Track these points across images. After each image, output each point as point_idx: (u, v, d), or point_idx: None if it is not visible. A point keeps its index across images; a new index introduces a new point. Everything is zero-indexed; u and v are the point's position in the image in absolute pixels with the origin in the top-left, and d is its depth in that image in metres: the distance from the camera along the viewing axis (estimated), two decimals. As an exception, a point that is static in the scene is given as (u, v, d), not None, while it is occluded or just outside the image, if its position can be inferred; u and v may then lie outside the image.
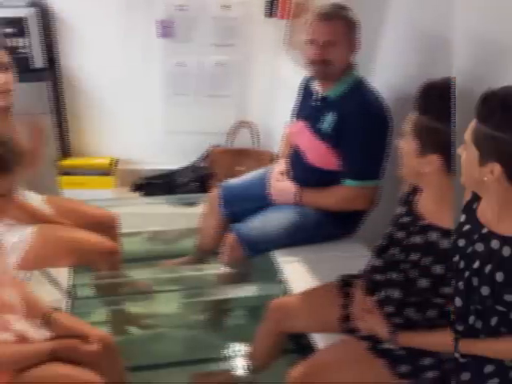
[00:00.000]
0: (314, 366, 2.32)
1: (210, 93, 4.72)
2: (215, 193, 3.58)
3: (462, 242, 2.08)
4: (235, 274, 3.26)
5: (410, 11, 3.03)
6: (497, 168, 1.81)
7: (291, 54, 4.35)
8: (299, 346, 3.24)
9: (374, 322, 2.24)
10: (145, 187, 4.79)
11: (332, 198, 3.03)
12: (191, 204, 4.45)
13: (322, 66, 2.87)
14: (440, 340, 2.09)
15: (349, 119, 2.86)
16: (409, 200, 2.27)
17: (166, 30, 4.37)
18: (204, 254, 3.75)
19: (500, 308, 1.93)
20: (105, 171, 4.61)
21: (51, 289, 2.98)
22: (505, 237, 1.92)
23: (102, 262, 3.15)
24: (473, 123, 1.87)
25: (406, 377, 2.16)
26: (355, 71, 2.95)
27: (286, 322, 2.70)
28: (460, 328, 2.06)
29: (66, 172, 4.55)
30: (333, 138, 2.93)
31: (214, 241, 3.55)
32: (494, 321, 1.98)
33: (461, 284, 2.04)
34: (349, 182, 2.94)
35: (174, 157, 4.83)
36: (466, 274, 2.02)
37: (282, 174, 3.31)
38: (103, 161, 4.66)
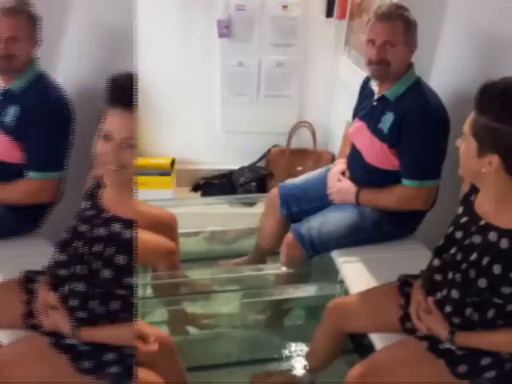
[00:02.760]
0: (373, 366, 2.30)
1: (269, 93, 4.73)
2: (274, 193, 3.57)
3: (459, 234, 2.13)
4: (294, 274, 3.27)
5: (468, 10, 3.00)
6: (495, 159, 1.87)
7: (351, 55, 4.33)
8: (359, 346, 3.23)
9: (433, 322, 2.22)
10: (204, 187, 4.81)
11: (391, 197, 3.00)
12: (250, 204, 4.46)
13: (381, 66, 2.86)
14: (502, 340, 2.06)
15: (407, 119, 2.84)
16: (468, 200, 2.24)
17: (226, 30, 4.38)
18: (263, 254, 3.75)
19: (497, 300, 1.98)
20: (165, 171, 4.62)
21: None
22: (503, 229, 1.96)
23: (162, 262, 3.18)
24: (472, 115, 1.92)
25: (465, 377, 2.13)
26: (413, 71, 2.94)
27: (344, 322, 2.68)
28: (456, 320, 2.11)
29: (126, 172, 4.56)
30: (391, 138, 2.91)
31: (273, 241, 3.55)
32: (490, 313, 2.03)
33: (458, 276, 2.08)
34: (408, 182, 2.92)
35: (233, 157, 4.84)
36: (463, 265, 2.06)
37: (341, 173, 3.29)
38: (163, 161, 4.66)
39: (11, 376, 2.19)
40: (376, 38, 2.83)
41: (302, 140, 4.85)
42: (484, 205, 2.08)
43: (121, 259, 2.10)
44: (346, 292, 2.96)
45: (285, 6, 4.40)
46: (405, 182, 2.93)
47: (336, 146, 4.32)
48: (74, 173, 2.94)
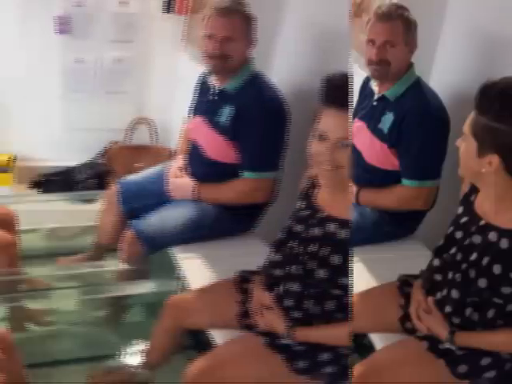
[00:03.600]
0: (373, 365, 2.24)
1: (109, 89, 4.71)
2: (113, 189, 3.55)
3: (459, 234, 2.12)
4: (133, 271, 3.26)
5: (468, 10, 3.04)
6: (495, 159, 1.86)
7: (189, 51, 4.38)
8: (198, 342, 3.26)
9: (433, 322, 2.19)
10: (43, 184, 4.72)
11: (391, 197, 3.00)
12: (90, 201, 4.41)
13: (381, 66, 2.86)
14: (502, 340, 2.05)
15: (407, 119, 2.85)
16: (468, 200, 2.21)
17: (64, 26, 4.33)
18: (102, 251, 3.73)
19: (497, 300, 1.97)
20: (3, 168, 4.54)
21: None
22: (503, 229, 1.95)
23: (0, 255, 3.12)
24: (472, 115, 1.90)
25: (465, 377, 2.11)
26: (413, 71, 2.94)
27: (183, 319, 2.70)
28: (456, 320, 2.09)
29: (-38, 169, 4.46)
30: (391, 138, 2.90)
31: (113, 237, 3.51)
32: (490, 313, 2.01)
33: (458, 276, 2.06)
34: (408, 182, 2.91)
35: (73, 153, 4.77)
36: (463, 266, 2.04)
37: (180, 169, 3.32)
38: (1, 157, 4.58)
39: (226, 376, 2.22)
40: (376, 37, 2.82)
41: (142, 136, 4.86)
42: (484, 205, 2.06)
43: (336, 259, 2.09)
44: (184, 288, 2.98)
45: (123, 2, 4.40)
46: (405, 181, 2.92)
47: (175, 142, 4.35)
48: (288, 173, 2.95)
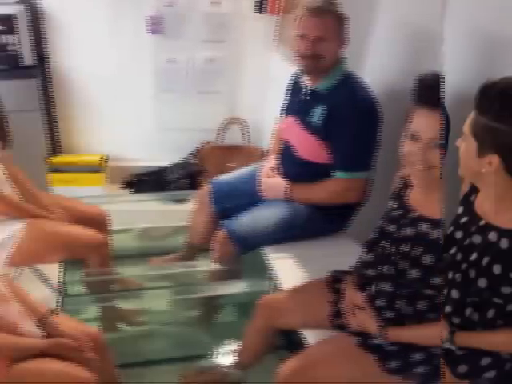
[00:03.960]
0: (305, 361, 2.31)
1: (201, 89, 4.72)
2: (205, 189, 3.57)
3: (459, 234, 2.09)
4: (225, 271, 3.26)
5: (468, 10, 2.99)
6: (495, 160, 1.83)
7: (281, 51, 4.34)
8: (290, 342, 3.24)
9: (365, 318, 2.25)
10: (135, 184, 4.78)
11: (323, 191, 3.03)
12: (181, 201, 4.44)
13: (312, 60, 2.89)
14: (502, 340, 2.05)
15: (338, 111, 2.88)
16: (468, 200, 2.21)
17: (156, 26, 4.36)
18: (194, 251, 3.75)
19: (497, 300, 1.95)
20: (95, 168, 4.58)
21: (41, 286, 2.98)
22: (503, 229, 1.93)
23: (92, 255, 3.15)
24: (472, 115, 1.88)
25: (465, 377, 2.12)
26: (343, 65, 2.97)
27: (275, 319, 2.70)
28: (456, 320, 2.07)
29: (56, 169, 4.50)
30: (322, 131, 2.94)
31: (205, 237, 3.53)
32: (490, 313, 1.99)
33: (458, 276, 2.05)
34: (339, 174, 2.95)
35: (165, 154, 4.81)
36: (463, 266, 2.03)
37: (272, 169, 3.31)
38: (93, 158, 4.63)
39: (318, 376, 2.24)
40: (308, 32, 2.85)
41: (234, 136, 4.86)
42: (484, 205, 2.06)
43: (428, 259, 2.09)
44: (276, 288, 2.97)
45: (216, 2, 4.39)
46: (336, 174, 2.95)
47: (268, 142, 4.33)
48: (380, 173, 2.95)
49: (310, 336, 2.55)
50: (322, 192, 3.04)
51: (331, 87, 2.95)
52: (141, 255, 4.15)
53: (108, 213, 3.48)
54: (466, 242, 2.05)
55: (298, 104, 3.15)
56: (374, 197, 3.04)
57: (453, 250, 2.11)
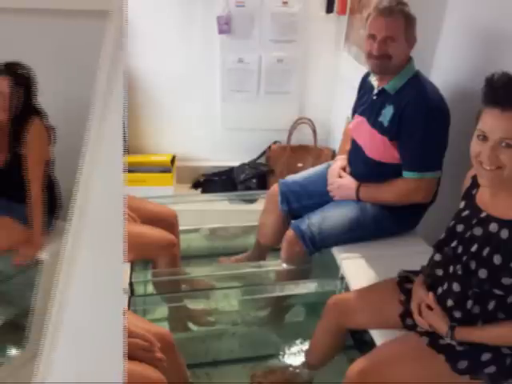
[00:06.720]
0: (374, 361, 2.31)
1: (269, 89, 4.72)
2: (275, 189, 3.57)
3: (460, 228, 2.16)
4: (295, 271, 3.26)
5: (468, 8, 3.02)
6: None
7: (351, 50, 4.32)
8: (359, 342, 3.23)
9: (434, 318, 2.23)
10: (204, 184, 4.81)
11: (392, 191, 3.01)
12: (251, 201, 4.44)
13: (381, 61, 2.88)
14: (502, 333, 2.08)
15: (407, 111, 2.85)
16: (469, 194, 2.26)
17: (226, 26, 4.37)
18: (263, 251, 3.76)
19: (497, 291, 2.00)
20: (165, 168, 4.62)
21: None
22: (503, 220, 1.99)
23: (162, 255, 3.18)
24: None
25: (466, 372, 2.13)
26: (412, 65, 2.95)
27: (345, 319, 2.69)
28: (458, 314, 2.13)
29: (127, 169, 4.53)
30: (392, 131, 2.92)
31: (274, 237, 3.56)
32: (491, 305, 2.05)
33: (458, 268, 2.10)
34: (408, 174, 2.92)
35: (234, 154, 4.85)
36: (464, 258, 2.08)
37: (341, 169, 3.29)
38: (164, 158, 4.67)
39: (387, 376, 2.25)
40: (377, 32, 2.84)
41: (303, 136, 4.84)
42: (484, 197, 2.10)
43: (497, 259, 2.07)
44: (346, 288, 2.96)
45: (285, 2, 4.39)
46: (405, 174, 2.93)
47: (336, 142, 4.31)
48: (450, 173, 2.96)
49: (379, 336, 2.53)
50: (391, 192, 3.02)
51: (400, 87, 2.93)
52: (210, 255, 4.18)
53: (177, 213, 3.51)
54: (467, 234, 2.10)
55: (366, 104, 3.14)
56: (443, 197, 3.01)
57: (454, 244, 2.17)
